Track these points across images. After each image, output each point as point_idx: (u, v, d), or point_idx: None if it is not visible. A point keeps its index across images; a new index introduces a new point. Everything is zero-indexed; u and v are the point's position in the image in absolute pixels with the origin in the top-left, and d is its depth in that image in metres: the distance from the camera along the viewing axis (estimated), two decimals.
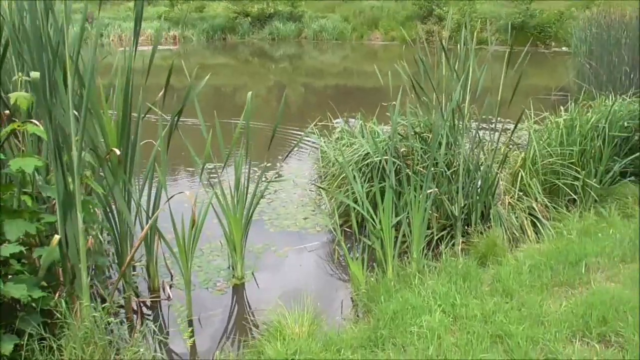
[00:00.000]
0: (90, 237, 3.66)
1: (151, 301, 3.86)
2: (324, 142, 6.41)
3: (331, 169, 5.73)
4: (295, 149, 7.49)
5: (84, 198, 2.91)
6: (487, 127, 5.17)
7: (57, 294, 2.86)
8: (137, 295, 3.80)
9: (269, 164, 6.80)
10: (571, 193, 4.79)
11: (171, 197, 3.53)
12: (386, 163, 4.18)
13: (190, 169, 6.58)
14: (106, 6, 25.16)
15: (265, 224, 5.13)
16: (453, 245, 4.40)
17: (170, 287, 4.04)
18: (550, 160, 4.96)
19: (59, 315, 2.68)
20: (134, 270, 4.23)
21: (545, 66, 17.72)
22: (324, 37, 22.98)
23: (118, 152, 3.11)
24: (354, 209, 4.02)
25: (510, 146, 5.81)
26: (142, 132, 3.73)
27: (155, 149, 3.69)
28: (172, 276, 4.19)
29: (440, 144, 4.65)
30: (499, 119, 7.42)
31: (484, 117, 4.83)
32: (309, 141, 7.74)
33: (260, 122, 8.71)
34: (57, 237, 2.64)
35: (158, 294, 3.97)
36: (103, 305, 2.81)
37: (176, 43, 22.80)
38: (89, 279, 2.89)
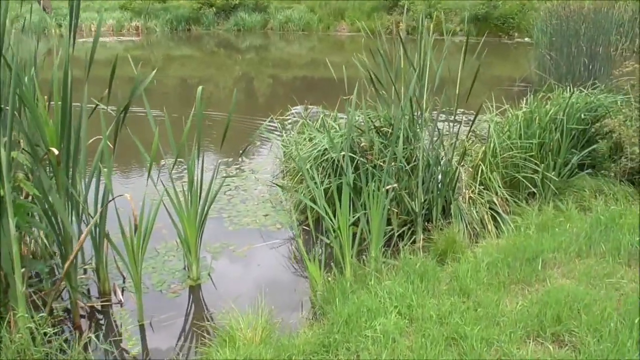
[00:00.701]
0: (30, 242, 3.50)
1: (101, 305, 3.70)
2: (286, 136, 6.29)
3: (292, 164, 5.62)
4: (259, 142, 7.36)
5: (18, 201, 2.74)
6: (449, 119, 5.12)
7: None
8: (87, 300, 3.64)
9: (229, 159, 6.65)
10: (531, 186, 4.79)
11: (112, 199, 3.36)
12: (344, 159, 4.07)
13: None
14: None
15: (224, 221, 5.00)
16: (414, 241, 4.36)
17: (122, 290, 3.89)
18: (510, 153, 4.95)
19: None
20: (85, 273, 4.06)
21: (509, 57, 17.91)
22: (290, 28, 22.77)
23: (56, 151, 2.93)
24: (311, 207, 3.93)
25: (472, 139, 5.80)
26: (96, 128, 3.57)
27: (101, 147, 3.51)
28: (124, 278, 4.03)
29: (398, 137, 4.59)
30: (462, 110, 7.44)
31: (444, 109, 4.79)
32: (273, 134, 7.61)
33: (226, 113, 8.59)
34: None
35: (109, 297, 3.81)
36: (40, 315, 2.65)
37: (139, 34, 22.27)
38: (25, 287, 2.72)
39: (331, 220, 3.69)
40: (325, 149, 4.77)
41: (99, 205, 3.58)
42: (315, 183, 4.03)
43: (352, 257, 3.67)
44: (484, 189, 4.79)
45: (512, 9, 20.85)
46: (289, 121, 6.40)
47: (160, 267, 4.21)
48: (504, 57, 17.96)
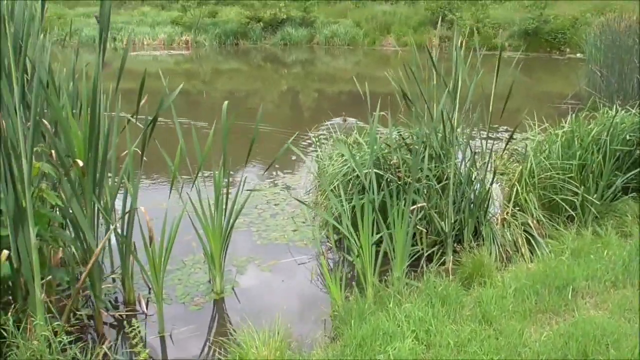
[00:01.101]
0: (60, 249, 3.58)
1: (125, 315, 3.75)
2: (320, 150, 6.27)
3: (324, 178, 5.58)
4: (294, 157, 7.36)
5: (42, 211, 2.80)
6: (485, 137, 4.97)
7: (12, 310, 2.75)
8: (111, 309, 3.69)
9: (264, 172, 6.68)
10: (569, 209, 4.59)
11: (127, 212, 3.39)
12: (366, 177, 4.01)
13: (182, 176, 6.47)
14: (120, 10, 25.39)
15: (252, 235, 5.00)
16: (444, 263, 4.24)
17: (147, 301, 3.93)
18: (548, 174, 4.76)
19: (6, 335, 2.57)
20: (114, 282, 4.13)
21: (559, 73, 17.40)
22: (335, 42, 22.86)
23: (81, 163, 3.00)
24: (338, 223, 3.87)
25: (510, 157, 5.63)
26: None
27: (128, 159, 3.58)
28: (149, 289, 4.07)
29: (431, 156, 4.49)
30: (505, 128, 7.23)
31: (482, 126, 4.65)
32: (309, 148, 7.61)
33: (272, 126, 8.64)
34: (5, 252, 2.53)
35: (134, 307, 3.86)
36: (56, 323, 2.69)
37: (188, 48, 22.86)
38: (44, 294, 2.77)
39: (354, 239, 3.62)
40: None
41: (126, 217, 3.66)
42: (341, 201, 3.96)
43: (374, 278, 3.59)
44: (519, 210, 4.62)
45: (563, 24, 20.29)
46: (324, 135, 6.35)
47: (186, 279, 4.23)
48: (554, 73, 17.47)
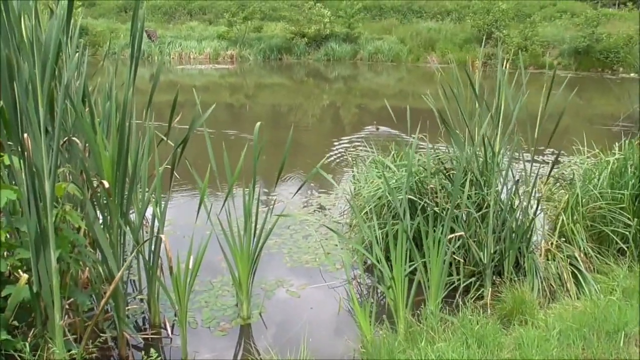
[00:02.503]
0: (87, 269, 3.54)
1: (150, 338, 3.67)
2: (356, 170, 6.13)
3: (359, 201, 5.42)
4: (331, 174, 7.22)
5: (65, 232, 2.75)
6: (528, 161, 4.71)
7: (31, 335, 2.71)
8: (134, 332, 3.62)
9: (292, 196, 6.56)
10: (620, 242, 4.28)
11: (147, 239, 3.31)
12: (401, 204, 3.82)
13: (215, 192, 6.43)
14: (169, 25, 26.03)
15: (283, 257, 4.87)
16: (482, 296, 4.01)
17: (173, 324, 3.84)
18: (597, 203, 4.47)
19: None
20: (142, 302, 4.08)
21: (611, 93, 16.74)
22: (379, 58, 22.74)
23: (107, 184, 2.94)
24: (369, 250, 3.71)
25: (556, 184, 5.34)
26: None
27: (156, 181, 3.52)
28: (176, 312, 3.99)
29: (471, 181, 4.28)
30: (551, 150, 6.86)
31: (524, 149, 4.40)
32: (346, 167, 7.47)
33: (312, 138, 8.61)
34: (25, 276, 2.48)
35: (159, 330, 3.78)
36: (69, 353, 2.62)
37: (233, 62, 23.18)
38: (62, 320, 2.71)
39: (385, 270, 3.44)
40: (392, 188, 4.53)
41: (153, 238, 3.60)
42: (372, 227, 3.79)
43: (406, 311, 3.39)
44: (565, 241, 4.34)
45: (617, 42, 19.58)
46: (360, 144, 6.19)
47: (213, 301, 4.14)
48: (606, 94, 16.83)
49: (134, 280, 4.33)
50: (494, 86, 4.31)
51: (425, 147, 4.61)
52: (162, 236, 3.15)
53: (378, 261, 3.43)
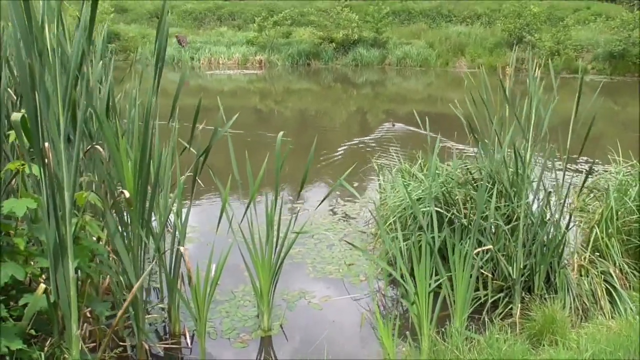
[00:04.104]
0: (108, 277, 3.53)
1: (170, 348, 3.64)
2: (382, 179, 6.02)
3: (384, 211, 5.31)
4: (356, 183, 7.13)
5: (84, 242, 2.74)
6: (566, 168, 4.52)
7: (48, 345, 2.69)
8: (153, 341, 3.59)
9: (315, 208, 6.49)
10: None
11: (164, 251, 3.26)
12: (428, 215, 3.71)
13: (242, 198, 6.40)
14: (199, 31, 26.30)
15: (306, 268, 4.80)
16: (511, 311, 3.87)
17: (193, 334, 3.80)
18: (633, 217, 4.28)
19: None
20: (163, 310, 4.05)
21: None
22: (407, 63, 22.54)
23: (127, 194, 2.92)
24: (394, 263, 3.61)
25: (590, 193, 5.14)
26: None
27: (177, 191, 3.49)
28: (196, 321, 3.96)
29: (500, 192, 4.15)
30: (585, 158, 6.61)
31: (556, 159, 4.23)
32: (373, 174, 7.36)
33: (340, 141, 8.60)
34: (42, 286, 2.47)
35: (178, 340, 3.74)
36: None
37: (262, 67, 23.27)
38: (79, 330, 2.69)
39: (409, 285, 3.33)
40: (418, 198, 4.43)
41: (174, 249, 3.57)
42: (396, 239, 3.69)
43: (430, 328, 3.28)
44: (599, 256, 4.17)
45: None
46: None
47: (234, 312, 4.09)
48: None
49: (156, 288, 4.32)
50: (524, 92, 4.17)
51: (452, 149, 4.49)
52: (182, 248, 3.11)
53: (401, 276, 3.32)
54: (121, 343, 3.54)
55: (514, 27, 21.25)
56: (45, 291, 2.52)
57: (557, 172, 4.21)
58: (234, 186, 3.80)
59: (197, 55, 23.33)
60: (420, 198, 4.43)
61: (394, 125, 10.78)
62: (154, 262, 3.04)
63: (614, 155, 5.45)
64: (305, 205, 6.26)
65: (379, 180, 6.13)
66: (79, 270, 2.73)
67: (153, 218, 3.45)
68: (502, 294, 3.97)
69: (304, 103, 16.55)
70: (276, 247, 3.76)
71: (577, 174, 6.71)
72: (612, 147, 5.62)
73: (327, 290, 4.41)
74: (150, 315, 3.93)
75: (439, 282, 3.37)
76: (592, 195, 5.16)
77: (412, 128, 9.89)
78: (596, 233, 4.17)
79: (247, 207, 3.60)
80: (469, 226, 3.97)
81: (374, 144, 9.43)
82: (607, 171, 5.71)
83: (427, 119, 4.46)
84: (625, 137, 10.19)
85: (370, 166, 7.02)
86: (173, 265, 3.52)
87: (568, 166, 4.49)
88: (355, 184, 6.98)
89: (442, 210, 4.11)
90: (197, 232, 5.41)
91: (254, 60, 23.49)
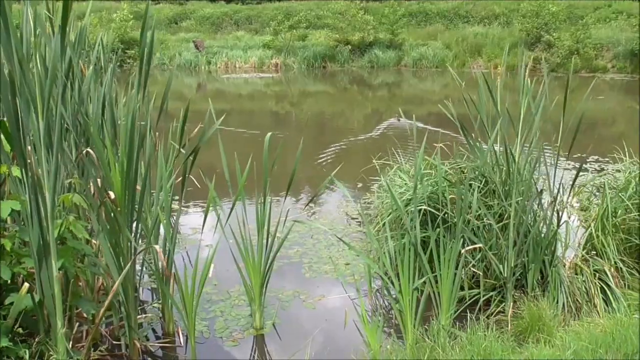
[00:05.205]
0: (100, 277, 3.62)
1: (162, 347, 3.71)
2: (382, 178, 6.02)
3: (381, 208, 5.33)
4: (360, 184, 7.15)
5: (70, 243, 2.82)
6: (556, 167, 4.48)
7: (34, 343, 2.78)
8: (142, 341, 3.66)
9: (305, 206, 6.52)
10: None
11: (139, 252, 3.31)
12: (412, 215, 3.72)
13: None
14: (216, 35, 26.58)
15: (303, 267, 4.84)
16: (504, 309, 3.85)
17: (187, 334, 3.87)
18: (630, 215, 4.22)
19: None
20: (161, 310, 4.13)
21: None
22: (423, 64, 22.44)
23: (112, 195, 3.00)
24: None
25: (598, 191, 5.09)
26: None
27: (163, 195, 3.56)
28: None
29: (493, 191, 4.14)
30: (596, 157, 6.48)
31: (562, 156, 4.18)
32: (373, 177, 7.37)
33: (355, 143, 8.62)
34: (26, 285, 2.55)
35: (172, 339, 3.81)
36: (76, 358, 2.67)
37: (278, 70, 23.41)
38: (65, 327, 2.77)
39: (394, 283, 3.35)
40: (410, 199, 4.43)
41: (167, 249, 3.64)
42: (382, 239, 3.70)
43: (415, 325, 3.29)
44: (595, 254, 4.12)
45: None
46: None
47: (228, 311, 4.15)
48: None
49: (154, 288, 4.41)
50: (535, 92, 4.13)
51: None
52: (157, 247, 3.17)
53: (385, 274, 3.34)
54: (115, 342, 3.63)
55: (532, 26, 20.98)
56: (30, 290, 2.61)
57: (549, 169, 4.17)
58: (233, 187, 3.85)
59: (214, 60, 23.58)
60: (412, 198, 4.44)
61: (399, 119, 11.19)
62: (132, 261, 3.10)
63: (623, 155, 5.38)
64: (313, 204, 6.32)
65: (380, 179, 6.13)
66: (64, 270, 2.81)
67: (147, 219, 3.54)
68: (494, 293, 3.95)
69: (320, 105, 16.60)
70: (267, 247, 3.81)
71: (584, 173, 6.62)
72: (631, 146, 5.53)
73: (322, 290, 4.44)
74: (146, 315, 4.01)
75: (422, 280, 3.37)
76: (597, 194, 5.11)
77: (420, 124, 9.93)
78: (590, 232, 4.13)
79: (232, 207, 3.66)
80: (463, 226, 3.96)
81: (381, 140, 9.53)
82: (614, 171, 5.64)
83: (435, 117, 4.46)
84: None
85: (375, 165, 7.04)
86: (166, 263, 3.59)
87: (576, 165, 4.43)
88: (359, 185, 7.00)
89: (433, 210, 4.11)
90: (198, 233, 5.49)
91: (270, 64, 23.63)
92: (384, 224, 4.61)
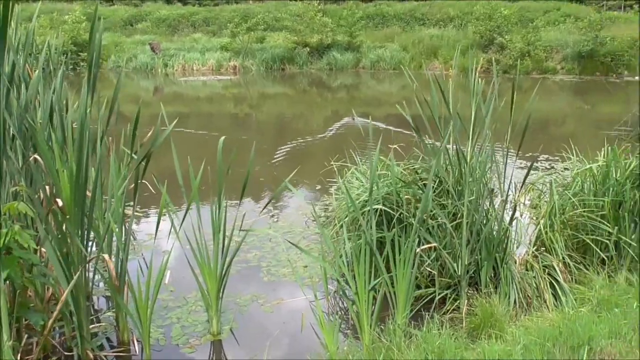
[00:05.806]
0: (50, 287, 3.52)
1: (116, 356, 3.63)
2: (341, 180, 6.06)
3: (337, 211, 5.36)
4: (328, 185, 7.17)
5: (16, 252, 2.73)
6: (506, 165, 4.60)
7: None
8: (95, 351, 3.58)
9: (261, 211, 6.51)
10: (600, 252, 4.18)
11: (90, 260, 3.24)
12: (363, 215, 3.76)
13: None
14: (173, 37, 26.20)
15: (261, 271, 4.82)
16: (459, 307, 3.93)
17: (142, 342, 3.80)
18: (578, 211, 4.37)
19: None
20: (116, 320, 4.03)
21: (616, 97, 16.55)
22: (381, 66, 22.71)
23: (60, 202, 2.92)
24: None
25: (539, 192, 5.25)
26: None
27: (115, 202, 3.49)
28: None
29: (447, 191, 4.22)
30: (546, 156, 6.67)
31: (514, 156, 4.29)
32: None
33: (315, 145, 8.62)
34: None
35: (127, 347, 3.74)
36: None
37: (236, 73, 23.26)
38: (11, 339, 2.68)
39: (349, 285, 3.38)
40: (366, 201, 4.47)
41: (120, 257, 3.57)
42: (337, 240, 3.73)
43: (372, 325, 3.33)
44: (545, 251, 4.25)
45: (621, 46, 19.38)
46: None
47: (185, 317, 4.09)
48: (610, 98, 16.64)
49: (109, 296, 4.31)
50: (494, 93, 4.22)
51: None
52: (105, 256, 3.11)
53: (342, 275, 3.36)
54: (67, 353, 3.53)
55: (485, 29, 21.52)
56: None
57: (501, 168, 4.28)
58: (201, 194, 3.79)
59: (171, 62, 23.25)
60: (367, 200, 4.48)
61: (354, 119, 11.60)
62: (80, 271, 3.02)
63: (571, 153, 5.57)
64: (280, 208, 6.31)
65: (338, 181, 6.16)
66: (9, 281, 2.72)
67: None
68: (449, 291, 4.03)
69: (279, 107, 16.58)
70: (223, 252, 3.78)
71: (535, 172, 6.82)
72: (577, 145, 5.72)
73: (280, 293, 4.43)
74: (100, 324, 3.92)
75: (378, 280, 3.41)
76: (546, 192, 5.27)
77: (380, 124, 10.09)
78: (540, 229, 4.26)
79: (186, 212, 3.62)
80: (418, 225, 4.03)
81: (339, 139, 9.61)
82: (566, 168, 5.83)
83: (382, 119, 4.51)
84: (592, 135, 10.42)
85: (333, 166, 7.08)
86: (119, 272, 3.52)
87: (528, 164, 4.55)
88: (318, 187, 7.03)
89: (389, 210, 4.16)
90: (156, 240, 5.40)
91: (228, 66, 23.47)
92: (341, 226, 4.64)
